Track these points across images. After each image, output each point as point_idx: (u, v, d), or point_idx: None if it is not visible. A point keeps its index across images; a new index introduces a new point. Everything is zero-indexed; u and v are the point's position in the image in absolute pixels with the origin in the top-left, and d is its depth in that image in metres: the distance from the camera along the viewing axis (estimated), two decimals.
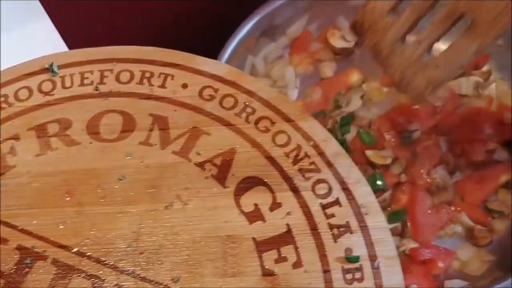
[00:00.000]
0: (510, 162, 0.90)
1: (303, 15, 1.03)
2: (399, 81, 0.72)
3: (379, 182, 0.88)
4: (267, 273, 0.55)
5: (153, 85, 0.67)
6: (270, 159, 0.62)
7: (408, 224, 0.88)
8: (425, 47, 0.69)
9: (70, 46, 0.95)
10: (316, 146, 0.62)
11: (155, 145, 0.63)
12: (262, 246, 0.57)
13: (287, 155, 0.62)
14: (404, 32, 0.69)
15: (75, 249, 0.56)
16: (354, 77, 1.02)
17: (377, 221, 0.58)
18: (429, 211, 0.87)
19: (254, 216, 0.58)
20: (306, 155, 0.62)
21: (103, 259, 0.55)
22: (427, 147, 0.90)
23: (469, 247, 0.87)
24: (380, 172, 0.89)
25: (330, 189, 0.59)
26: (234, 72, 0.68)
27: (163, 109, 0.65)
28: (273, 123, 0.64)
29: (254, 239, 0.57)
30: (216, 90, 0.66)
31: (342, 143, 0.90)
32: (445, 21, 0.67)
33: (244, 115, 0.65)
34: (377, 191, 0.88)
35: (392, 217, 0.87)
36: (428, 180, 0.89)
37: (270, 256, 0.56)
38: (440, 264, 0.83)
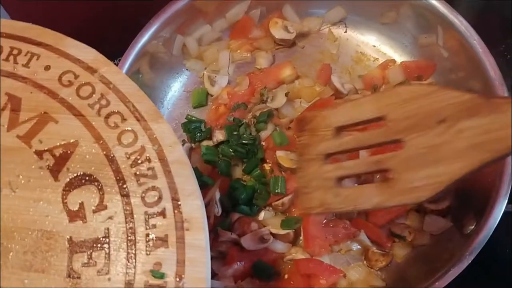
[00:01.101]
0: None
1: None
2: (302, 185, 0.73)
3: (278, 186, 0.85)
4: (72, 275, 0.54)
5: (17, 63, 0.66)
6: (110, 158, 0.60)
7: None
8: (339, 176, 0.70)
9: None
10: (160, 151, 0.60)
11: (3, 126, 0.62)
12: (75, 247, 0.56)
13: (128, 156, 0.60)
14: (333, 152, 0.71)
15: None
16: (287, 71, 0.97)
17: (196, 239, 0.55)
18: (324, 223, 0.83)
19: (76, 215, 0.57)
20: (147, 159, 0.59)
21: None
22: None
23: (362, 267, 0.84)
24: (283, 177, 0.86)
25: (160, 198, 0.57)
26: (100, 59, 0.65)
27: (21, 90, 0.64)
28: (124, 119, 0.62)
29: (70, 238, 0.56)
30: (76, 76, 0.64)
31: (254, 140, 0.88)
32: (369, 165, 0.67)
33: (97, 106, 0.62)
34: (276, 194, 0.85)
35: (284, 223, 0.84)
36: None
37: (80, 259, 0.55)
38: (322, 281, 0.81)
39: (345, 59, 1.01)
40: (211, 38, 1.01)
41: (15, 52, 0.66)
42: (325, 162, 0.71)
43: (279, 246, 0.83)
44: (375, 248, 0.83)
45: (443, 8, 0.88)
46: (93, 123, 0.62)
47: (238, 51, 1.02)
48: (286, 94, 0.93)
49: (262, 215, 0.87)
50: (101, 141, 0.60)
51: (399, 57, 0.99)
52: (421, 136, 0.62)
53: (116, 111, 0.62)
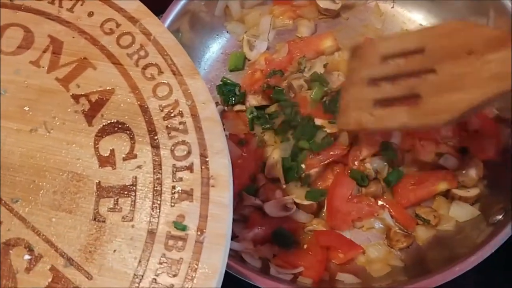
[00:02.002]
0: (456, 171, 0.84)
1: None
2: (343, 105, 0.82)
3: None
4: (97, 219, 0.56)
5: (62, 7, 0.67)
6: (144, 108, 0.61)
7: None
8: (376, 98, 0.77)
9: None
10: (193, 107, 0.61)
11: (43, 67, 0.64)
12: (103, 192, 0.57)
13: (161, 109, 0.61)
14: (376, 77, 0.78)
15: None
16: (328, 43, 0.97)
17: (220, 196, 0.56)
18: (349, 198, 0.83)
19: (107, 161, 0.59)
20: (180, 113, 0.60)
21: None
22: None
23: (382, 246, 0.84)
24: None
25: (188, 153, 0.58)
26: (143, 10, 0.66)
27: (63, 34, 0.65)
28: (160, 72, 0.63)
29: (98, 183, 0.58)
30: (118, 25, 0.65)
31: (293, 105, 0.88)
32: (403, 89, 0.75)
33: (135, 57, 0.63)
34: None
35: (309, 195, 0.84)
36: (360, 167, 0.85)
37: (106, 203, 0.57)
38: (341, 255, 0.81)
39: None
40: (254, 2, 1.01)
41: None
42: (366, 86, 0.78)
43: (301, 216, 0.84)
44: (397, 228, 0.83)
45: None
46: (131, 73, 0.63)
47: (281, 17, 1.01)
48: (325, 66, 0.93)
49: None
50: (137, 91, 0.61)
51: None
52: (451, 65, 0.69)
53: (153, 63, 0.63)
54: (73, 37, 0.65)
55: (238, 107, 0.94)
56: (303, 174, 0.84)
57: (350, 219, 0.83)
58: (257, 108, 0.91)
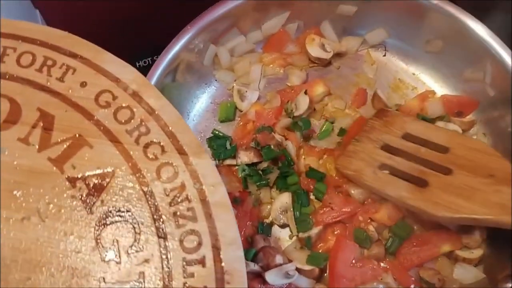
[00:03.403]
0: (459, 232, 0.83)
1: (282, 12, 0.95)
2: (350, 151, 0.85)
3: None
4: None
5: (51, 76, 0.62)
6: (148, 193, 0.57)
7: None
8: (386, 163, 0.82)
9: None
10: (201, 191, 0.57)
11: (33, 145, 0.59)
12: None
13: (167, 193, 0.57)
14: (393, 146, 0.83)
15: None
16: (319, 89, 0.95)
17: None
18: (353, 263, 0.81)
19: (110, 254, 0.54)
20: (187, 198, 0.56)
21: None
22: None
23: None
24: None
25: (199, 244, 0.55)
26: (141, 80, 0.62)
27: (54, 106, 0.61)
28: (164, 151, 0.59)
29: (102, 279, 0.53)
30: (115, 98, 0.61)
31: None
32: (414, 170, 0.80)
33: (136, 133, 0.59)
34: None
35: (311, 259, 0.82)
36: (366, 226, 0.83)
37: None
38: None
39: (382, 85, 0.97)
40: (244, 50, 0.98)
41: (49, 63, 0.63)
42: (380, 148, 0.83)
43: (303, 282, 0.81)
44: None
45: (496, 45, 0.85)
46: (131, 152, 0.58)
47: (271, 65, 0.99)
48: (305, 92, 0.90)
49: (284, 246, 0.84)
50: (139, 174, 0.57)
51: (440, 89, 0.96)
52: (469, 177, 0.77)
53: (156, 140, 0.59)
54: (66, 111, 0.60)
55: (229, 162, 0.90)
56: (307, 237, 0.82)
57: (354, 284, 0.81)
58: (248, 165, 0.88)
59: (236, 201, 0.86)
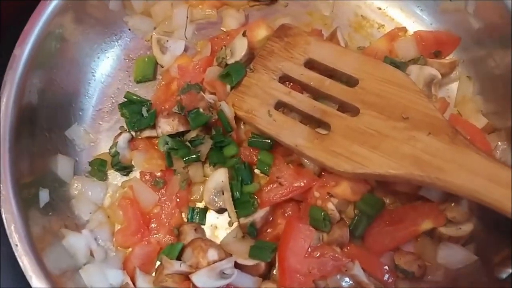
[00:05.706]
0: (442, 205, 0.67)
1: None
2: (244, 85, 0.74)
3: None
4: None
5: None
6: None
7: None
8: (282, 100, 0.72)
9: None
10: None
11: None
12: None
13: None
14: (292, 76, 0.73)
15: None
16: (262, 33, 0.78)
17: None
18: (309, 252, 0.65)
19: None
20: None
21: None
22: None
23: None
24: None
25: None
26: None
27: None
28: None
29: None
30: None
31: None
32: (315, 110, 0.70)
33: None
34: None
35: (255, 251, 0.66)
36: (324, 204, 0.67)
37: None
38: None
39: (341, 24, 0.81)
40: None
41: None
42: (278, 79, 0.72)
43: (245, 282, 0.65)
44: (372, 285, 0.65)
45: None
46: None
47: (200, 7, 0.82)
48: (244, 34, 0.74)
49: (223, 236, 0.68)
50: None
51: (412, 25, 0.82)
52: (377, 119, 0.64)
53: None
54: None
55: (147, 133, 0.73)
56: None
57: (311, 279, 0.65)
58: (172, 136, 0.70)
59: (157, 184, 0.71)
